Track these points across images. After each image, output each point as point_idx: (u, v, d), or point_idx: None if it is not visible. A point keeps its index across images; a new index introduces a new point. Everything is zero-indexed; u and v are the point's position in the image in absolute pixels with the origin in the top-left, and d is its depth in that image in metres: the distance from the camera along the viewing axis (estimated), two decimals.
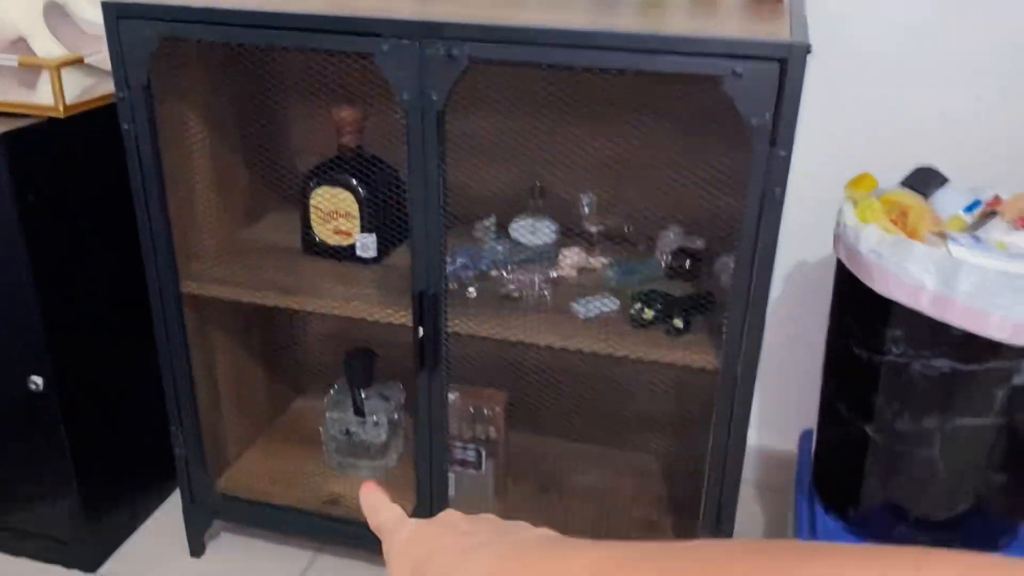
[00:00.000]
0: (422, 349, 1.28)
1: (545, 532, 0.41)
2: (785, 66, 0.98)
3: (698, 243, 1.43)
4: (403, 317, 1.29)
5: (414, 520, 0.45)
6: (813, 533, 1.35)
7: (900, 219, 1.19)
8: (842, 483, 1.31)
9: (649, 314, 1.24)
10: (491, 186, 1.52)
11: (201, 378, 1.47)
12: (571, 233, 1.48)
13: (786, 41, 0.98)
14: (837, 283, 1.27)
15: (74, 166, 1.36)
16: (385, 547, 0.45)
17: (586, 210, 1.48)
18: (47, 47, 1.35)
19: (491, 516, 0.45)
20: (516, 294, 1.33)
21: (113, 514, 1.56)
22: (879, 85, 1.43)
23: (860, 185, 1.25)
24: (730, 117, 1.02)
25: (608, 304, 1.30)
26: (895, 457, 1.20)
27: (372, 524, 0.48)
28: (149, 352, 1.41)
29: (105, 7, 1.18)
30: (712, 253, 1.41)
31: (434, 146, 1.15)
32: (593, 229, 1.48)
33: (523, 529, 0.43)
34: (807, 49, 0.98)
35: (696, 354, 1.20)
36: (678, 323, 1.23)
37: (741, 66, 1.00)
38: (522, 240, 1.48)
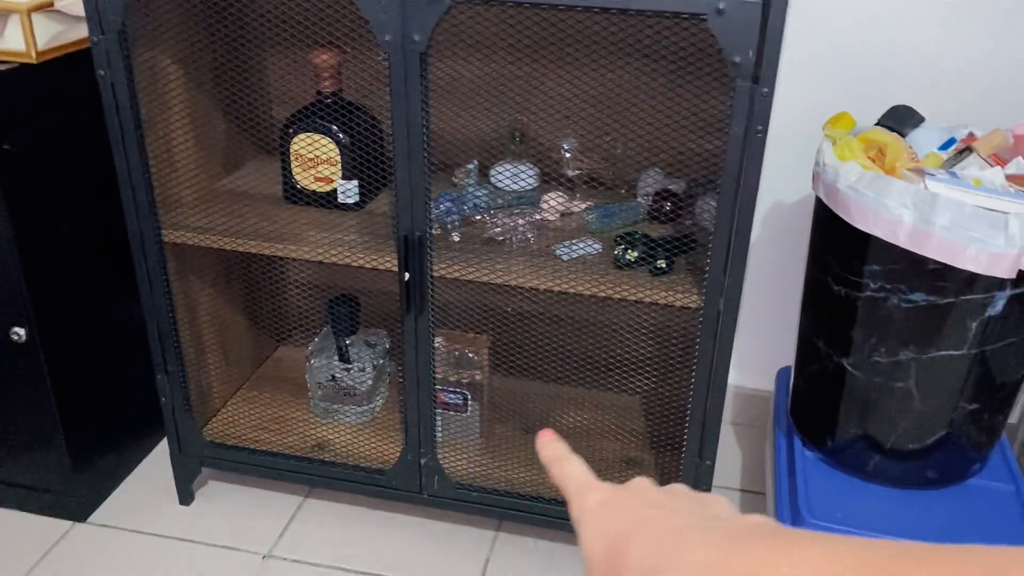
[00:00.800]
0: (408, 293, 1.29)
1: (761, 520, 0.37)
2: (768, 3, 0.99)
3: (679, 185, 1.45)
4: (388, 262, 1.30)
5: (606, 485, 0.43)
6: (791, 463, 1.39)
7: (878, 157, 1.21)
8: (819, 416, 1.35)
9: (632, 255, 1.26)
10: (471, 131, 1.52)
11: (185, 327, 1.47)
12: (552, 178, 1.49)
13: None
14: (816, 221, 1.29)
15: (50, 113, 1.34)
16: (573, 508, 0.42)
17: (567, 155, 1.48)
18: None
19: (683, 488, 0.42)
20: (500, 238, 1.34)
21: (101, 464, 1.57)
22: (856, 24, 1.44)
23: (839, 124, 1.27)
24: (711, 58, 1.02)
25: (591, 247, 1.31)
26: (872, 390, 1.24)
27: (555, 475, 0.45)
28: (132, 301, 1.41)
29: None
30: (694, 194, 1.43)
31: (417, 89, 1.14)
32: (574, 173, 1.49)
33: (719, 505, 0.40)
34: None
35: (679, 293, 1.22)
36: (661, 263, 1.25)
37: (724, 3, 1.00)
38: (502, 186, 1.48)
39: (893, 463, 1.29)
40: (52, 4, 1.29)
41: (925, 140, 1.27)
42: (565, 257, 1.31)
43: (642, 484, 0.43)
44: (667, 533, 0.37)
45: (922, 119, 1.31)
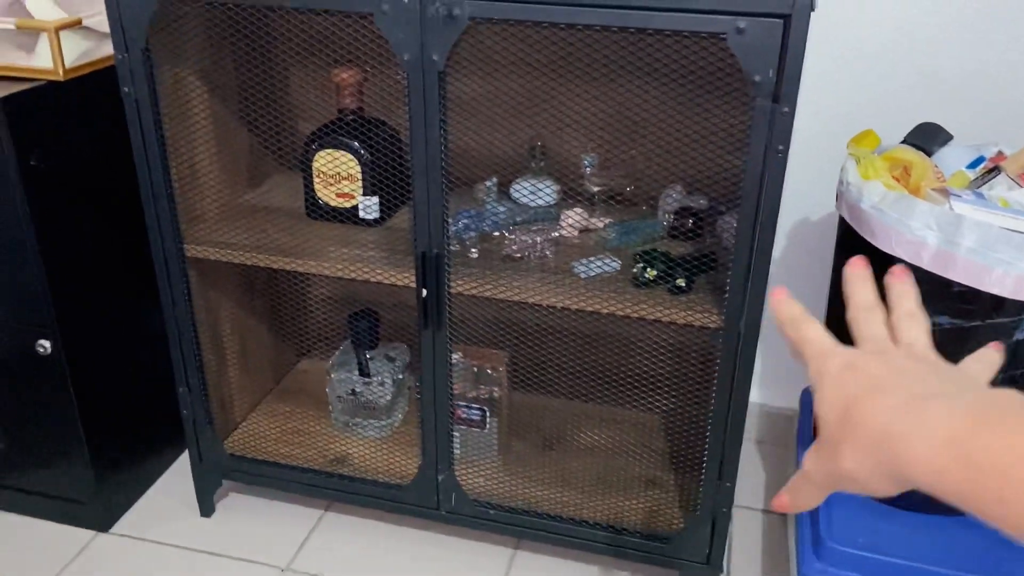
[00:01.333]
0: (425, 309, 1.29)
1: (1010, 395, 0.35)
2: (789, 22, 0.98)
3: (701, 202, 1.43)
4: (406, 278, 1.30)
5: (847, 349, 0.41)
6: None
7: (903, 176, 1.19)
8: None
9: (652, 273, 1.24)
10: (492, 147, 1.52)
11: (207, 340, 1.48)
12: (572, 194, 1.48)
13: None
14: (839, 240, 1.27)
15: (77, 129, 1.36)
16: (812, 370, 0.41)
17: (587, 170, 1.47)
18: (43, 8, 1.34)
19: (928, 352, 0.40)
20: (518, 255, 1.34)
21: (124, 475, 1.59)
22: (882, 40, 1.42)
23: (863, 142, 1.25)
24: (733, 74, 1.01)
25: (610, 264, 1.30)
26: None
27: (791, 338, 0.43)
28: (155, 314, 1.42)
29: None
30: (715, 212, 1.42)
31: (436, 108, 1.14)
32: (594, 189, 1.48)
33: (964, 374, 0.38)
34: (811, 5, 0.97)
35: (698, 313, 1.21)
36: (681, 282, 1.24)
37: (744, 22, 0.99)
38: (523, 201, 1.48)
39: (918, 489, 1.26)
40: (80, 22, 1.31)
41: (953, 159, 1.25)
42: (583, 275, 1.30)
43: (884, 347, 0.41)
44: (909, 400, 0.36)
45: (950, 137, 1.29)
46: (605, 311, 1.24)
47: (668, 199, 1.44)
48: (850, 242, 1.19)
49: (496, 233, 1.40)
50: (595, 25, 1.04)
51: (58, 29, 1.26)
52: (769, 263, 1.12)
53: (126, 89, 1.24)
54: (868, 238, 1.14)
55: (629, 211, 1.47)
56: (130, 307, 1.53)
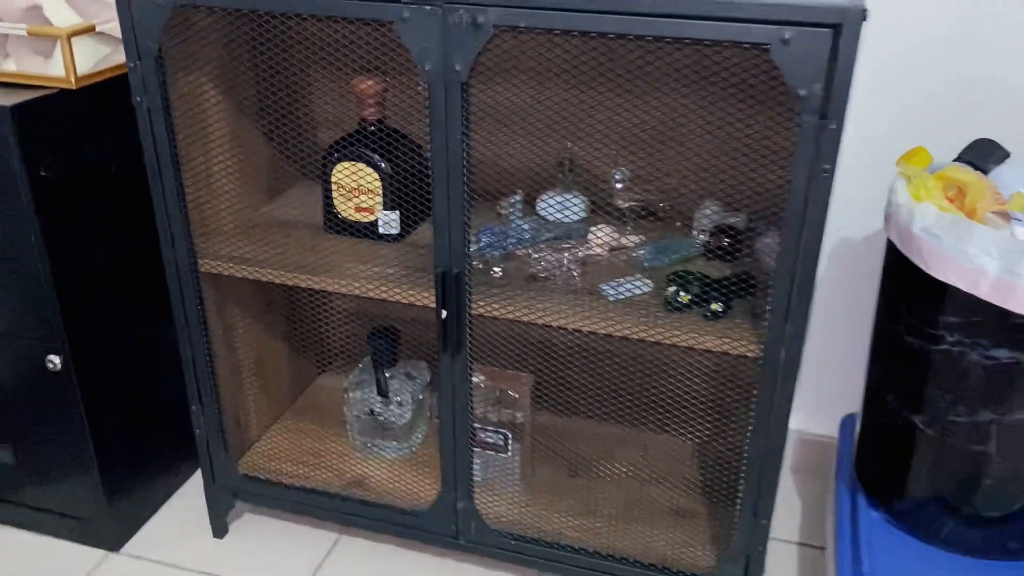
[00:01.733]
0: (445, 331, 1.23)
1: None
2: (839, 32, 0.90)
3: (738, 220, 1.36)
4: (426, 298, 1.24)
5: None
6: (854, 523, 1.28)
7: (957, 197, 1.11)
8: (887, 474, 1.24)
9: (685, 298, 1.17)
10: (518, 159, 1.46)
11: (222, 357, 1.43)
12: (602, 210, 1.41)
13: (840, 4, 0.90)
14: (887, 264, 1.19)
15: (89, 139, 1.32)
16: None
17: (618, 185, 1.41)
18: (61, 14, 1.30)
19: None
20: (543, 274, 1.27)
21: (135, 494, 1.54)
22: (935, 47, 1.34)
23: (914, 160, 1.17)
24: (775, 84, 0.95)
25: (640, 286, 1.23)
26: (946, 450, 1.13)
27: None
28: (169, 328, 1.37)
29: None
30: (754, 231, 1.34)
31: (458, 120, 1.08)
32: (625, 205, 1.41)
33: None
34: (863, 14, 0.89)
35: (735, 340, 1.13)
36: (716, 307, 1.17)
37: (790, 32, 0.92)
38: (550, 217, 1.41)
39: (970, 530, 1.18)
40: (94, 28, 1.26)
41: (1011, 178, 1.16)
42: (612, 296, 1.23)
43: None
44: None
45: (1007, 154, 1.20)
46: (635, 337, 1.17)
47: (703, 217, 1.37)
48: (899, 268, 1.12)
49: (521, 251, 1.33)
50: (628, 34, 0.97)
51: (70, 36, 1.22)
52: (812, 290, 1.04)
53: (138, 99, 1.19)
54: (920, 264, 1.06)
55: (662, 228, 1.40)
56: (142, 321, 1.49)
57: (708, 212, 1.37)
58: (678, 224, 1.41)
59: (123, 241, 1.42)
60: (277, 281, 1.30)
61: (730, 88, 1.31)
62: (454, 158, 1.11)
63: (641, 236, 1.36)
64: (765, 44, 0.93)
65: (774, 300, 1.06)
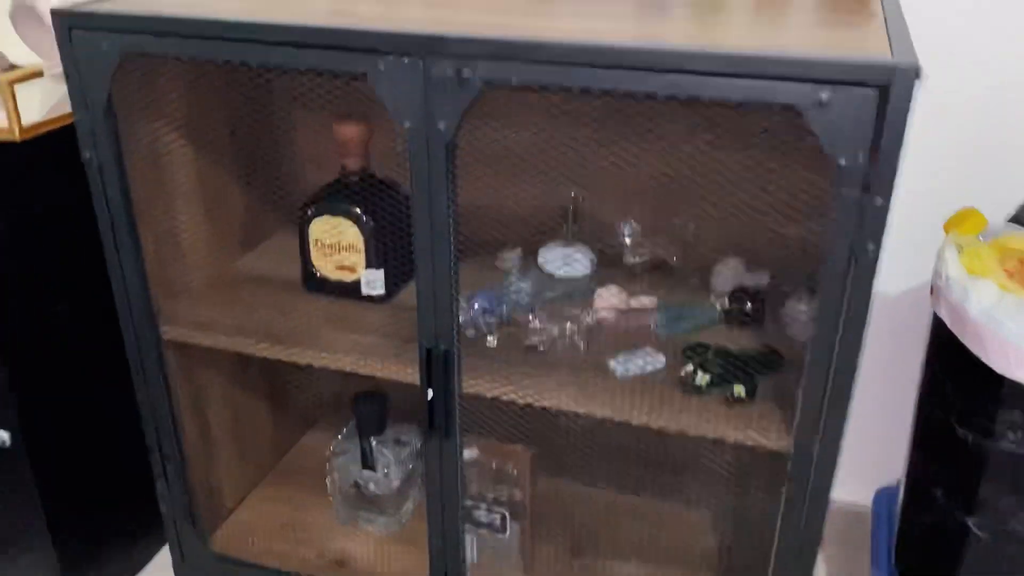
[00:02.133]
0: (432, 412, 1.09)
1: None
2: (886, 93, 0.76)
3: (763, 278, 1.22)
4: (411, 374, 1.10)
5: None
6: None
7: (1019, 270, 0.96)
8: (931, 574, 1.10)
9: (704, 380, 1.03)
10: (517, 209, 1.32)
11: (192, 423, 1.31)
12: (609, 266, 1.27)
13: (888, 62, 0.76)
14: (934, 343, 1.05)
15: (37, 194, 1.19)
16: None
17: (627, 239, 1.27)
18: (17, 54, 1.18)
19: None
20: (543, 347, 1.13)
21: (95, 572, 1.41)
22: (983, 96, 1.19)
23: (964, 224, 1.02)
24: (805, 133, 0.81)
25: (652, 362, 1.09)
26: (1003, 559, 0.99)
27: None
28: (129, 395, 1.24)
29: (54, 16, 0.99)
30: (778, 291, 1.20)
31: (443, 184, 0.95)
32: (635, 261, 1.27)
33: None
34: (916, 72, 0.75)
35: (763, 432, 0.99)
36: (739, 391, 1.03)
37: (828, 92, 0.78)
38: (553, 272, 1.28)
39: None
40: (42, 73, 1.14)
41: None
42: (620, 373, 1.09)
43: None
44: None
45: None
46: (646, 425, 1.03)
47: (722, 275, 1.23)
48: (950, 351, 0.97)
49: (518, 316, 1.19)
50: (636, 91, 0.84)
51: (13, 83, 1.09)
52: (853, 382, 0.90)
53: (87, 154, 1.06)
54: (976, 351, 0.91)
55: (676, 287, 1.25)
56: (101, 387, 1.36)
57: (727, 270, 1.23)
58: (695, 281, 1.27)
59: (79, 301, 1.29)
60: (245, 352, 1.17)
61: (751, 132, 1.17)
62: (439, 225, 0.98)
63: (652, 297, 1.22)
64: (796, 106, 0.79)
65: (808, 387, 0.92)
